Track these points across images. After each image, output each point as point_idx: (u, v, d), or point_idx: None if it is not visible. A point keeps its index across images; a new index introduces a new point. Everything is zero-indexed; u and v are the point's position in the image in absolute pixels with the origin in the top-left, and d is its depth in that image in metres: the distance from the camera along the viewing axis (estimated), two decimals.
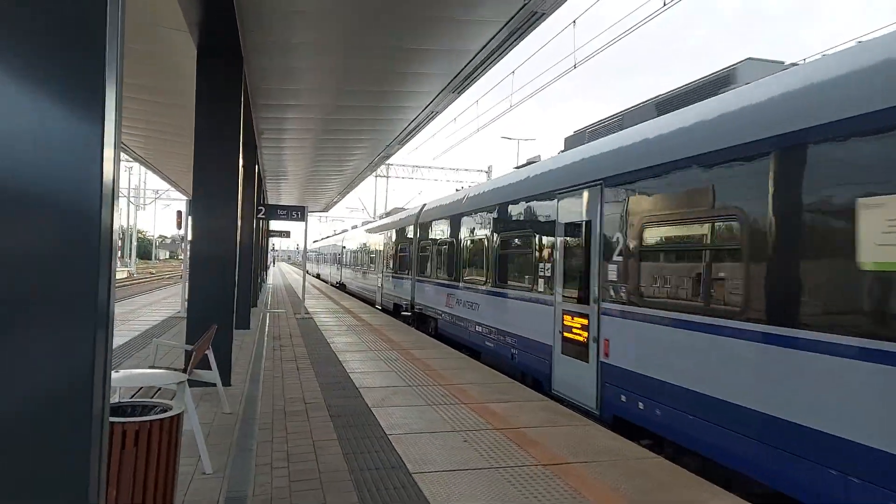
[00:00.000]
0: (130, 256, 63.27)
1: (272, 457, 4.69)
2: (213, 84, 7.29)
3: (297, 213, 16.05)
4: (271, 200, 28.64)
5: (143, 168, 51.65)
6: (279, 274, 53.78)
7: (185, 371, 4.48)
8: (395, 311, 17.70)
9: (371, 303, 21.43)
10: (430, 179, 46.04)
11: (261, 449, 4.86)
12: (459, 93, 10.36)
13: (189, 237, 7.51)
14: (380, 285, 20.36)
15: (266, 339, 11.47)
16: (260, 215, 15.48)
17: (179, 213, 18.08)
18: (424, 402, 6.54)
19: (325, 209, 38.03)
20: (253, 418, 5.77)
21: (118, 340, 10.48)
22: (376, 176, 47.00)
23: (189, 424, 4.26)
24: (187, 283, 7.25)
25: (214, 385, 6.09)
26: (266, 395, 6.81)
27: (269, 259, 66.11)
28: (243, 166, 11.48)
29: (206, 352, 6.00)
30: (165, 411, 3.25)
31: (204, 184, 7.27)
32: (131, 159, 33.61)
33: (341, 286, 32.13)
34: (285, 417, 5.85)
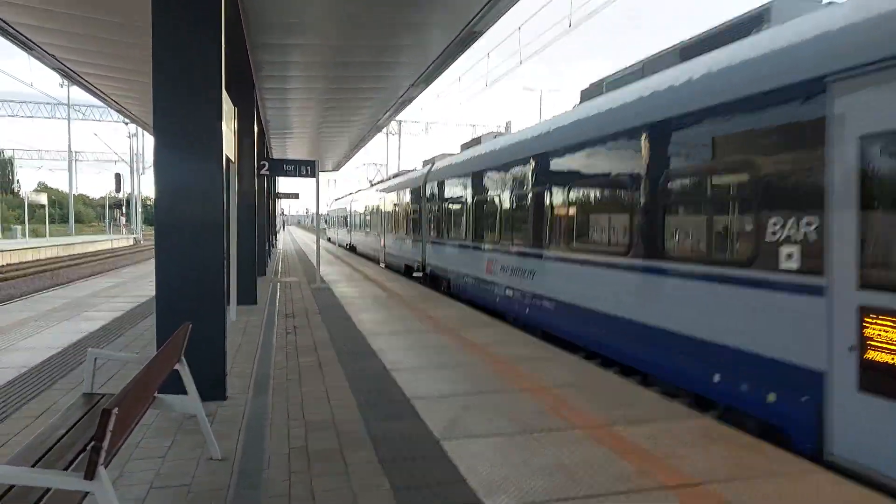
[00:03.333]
0: (136, 223, 61.42)
1: None
2: None
3: (307, 168, 13.67)
4: (276, 157, 26.25)
5: (141, 131, 49.16)
6: (290, 240, 51.76)
7: (92, 460, 2.22)
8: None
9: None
10: (445, 136, 43.31)
11: None
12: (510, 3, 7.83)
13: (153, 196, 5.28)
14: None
15: (276, 317, 9.31)
16: (263, 171, 13.13)
17: (118, 175, 16.16)
18: (516, 426, 4.32)
19: (335, 168, 35.61)
20: (257, 475, 3.58)
21: (67, 338, 8.34)
22: (388, 133, 44.42)
23: None
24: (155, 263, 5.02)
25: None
26: (278, 417, 4.62)
27: (279, 223, 63.83)
28: (238, 108, 9.13)
29: (177, 366, 3.78)
30: None
31: (168, 120, 4.92)
32: (127, 120, 31.25)
33: (429, 278, 15.29)
34: (309, 467, 3.65)
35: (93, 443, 2.31)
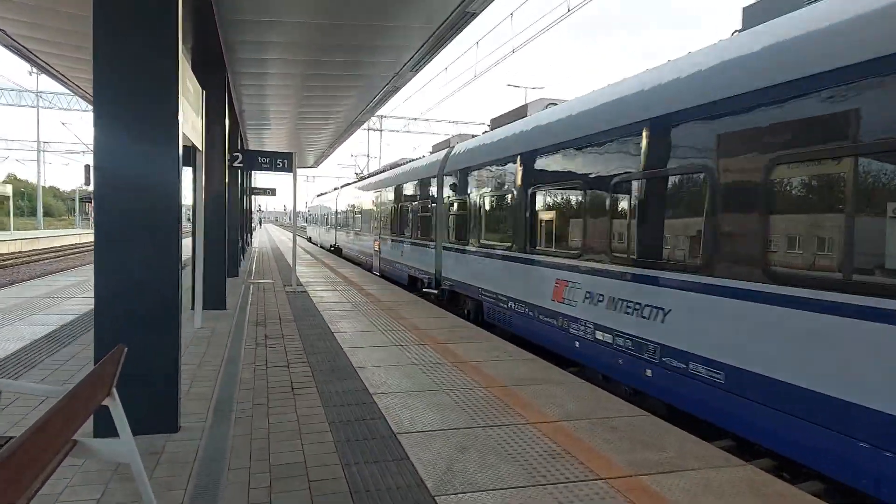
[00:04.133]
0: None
1: None
2: None
3: (284, 161, 12.84)
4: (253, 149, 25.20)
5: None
6: (266, 238, 50.59)
7: None
8: None
9: None
10: (428, 133, 42.60)
11: None
12: None
13: (91, 186, 4.43)
14: None
15: (246, 325, 8.47)
16: (236, 163, 12.25)
17: (87, 167, 15.21)
18: (526, 475, 3.58)
19: (315, 164, 34.58)
20: None
21: (4, 348, 7.43)
22: (368, 129, 43.52)
23: None
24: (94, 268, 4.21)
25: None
26: (238, 457, 3.82)
27: (255, 220, 62.27)
28: (207, 92, 8.28)
29: (107, 401, 2.99)
30: None
31: (112, 91, 4.09)
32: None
33: (446, 296, 11.81)
34: None
35: None
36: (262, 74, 12.03)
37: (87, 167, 46.25)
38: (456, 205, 11.19)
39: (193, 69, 8.24)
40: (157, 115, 4.21)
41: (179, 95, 4.32)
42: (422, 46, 9.47)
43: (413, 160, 16.31)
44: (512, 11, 12.53)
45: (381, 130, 43.33)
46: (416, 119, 42.04)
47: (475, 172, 10.25)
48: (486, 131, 10.82)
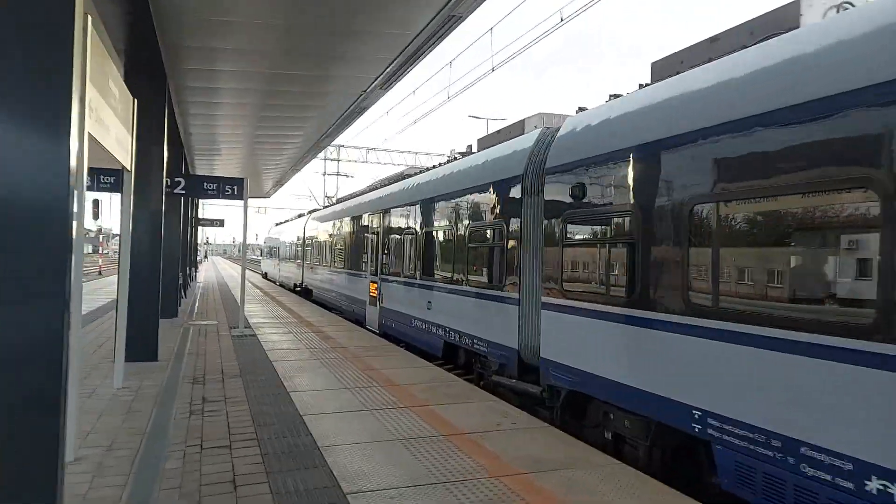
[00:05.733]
0: None
1: None
2: None
3: (233, 187, 11.37)
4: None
5: None
6: (213, 271, 48.04)
7: None
8: None
9: None
10: (388, 164, 41.48)
11: None
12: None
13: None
14: None
15: (181, 383, 6.90)
16: (178, 189, 10.71)
17: (96, 202, 13.76)
18: None
19: (268, 194, 32.89)
20: None
21: None
22: (325, 158, 42.17)
23: None
24: None
25: None
26: None
27: (201, 253, 59.46)
28: (139, 102, 6.88)
29: None
30: None
31: None
32: None
33: (560, 402, 6.17)
34: None
35: None
36: (212, 90, 10.64)
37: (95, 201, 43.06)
38: (592, 226, 5.94)
39: (126, 79, 6.86)
40: (37, 104, 2.84)
41: (78, 76, 2.97)
42: (397, 57, 8.32)
43: (436, 167, 11.08)
44: (492, 27, 11.60)
45: (338, 160, 41.96)
46: (374, 149, 40.90)
47: (668, 161, 4.80)
48: (608, 98, 6.15)
